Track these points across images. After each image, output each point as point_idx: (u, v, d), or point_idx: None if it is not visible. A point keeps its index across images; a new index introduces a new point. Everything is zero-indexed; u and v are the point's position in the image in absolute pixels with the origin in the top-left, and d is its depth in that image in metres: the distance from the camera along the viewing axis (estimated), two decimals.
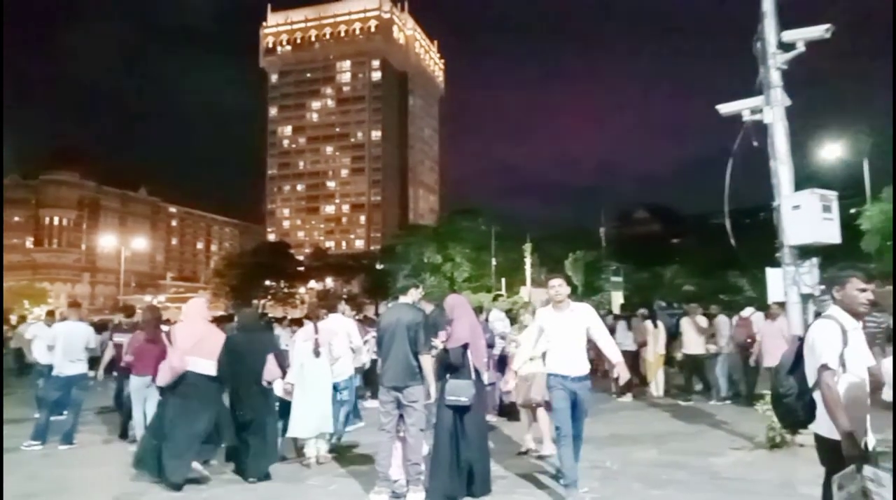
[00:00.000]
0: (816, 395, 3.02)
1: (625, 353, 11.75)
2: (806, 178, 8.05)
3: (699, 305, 11.23)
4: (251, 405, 6.06)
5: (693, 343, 10.46)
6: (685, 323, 10.66)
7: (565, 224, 56.71)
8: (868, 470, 2.68)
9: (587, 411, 5.08)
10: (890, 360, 3.25)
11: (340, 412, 7.18)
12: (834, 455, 2.94)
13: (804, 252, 6.84)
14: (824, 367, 2.94)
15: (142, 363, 7.08)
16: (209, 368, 5.86)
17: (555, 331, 5.08)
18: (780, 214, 6.93)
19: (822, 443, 3.10)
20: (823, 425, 3.01)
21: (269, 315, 15.80)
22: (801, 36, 6.94)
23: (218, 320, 9.29)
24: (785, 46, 7.06)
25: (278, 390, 6.38)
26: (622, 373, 5.17)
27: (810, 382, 3.05)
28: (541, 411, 6.68)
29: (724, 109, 7.49)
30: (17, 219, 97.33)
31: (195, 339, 5.89)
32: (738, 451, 6.71)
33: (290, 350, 6.96)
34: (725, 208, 7.73)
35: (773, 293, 7.50)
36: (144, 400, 7.11)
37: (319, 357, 6.55)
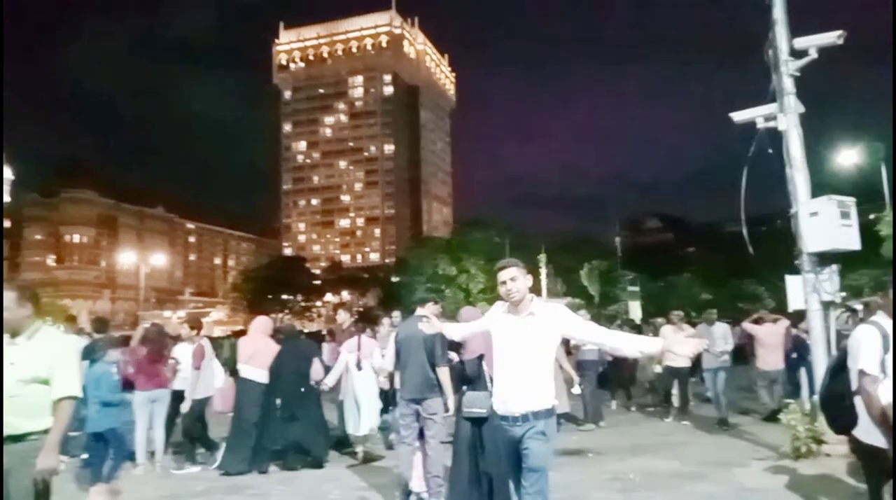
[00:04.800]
0: (858, 400, 3.01)
1: (618, 361, 11.64)
2: (821, 184, 8.01)
3: (709, 312, 10.43)
4: (299, 404, 6.87)
5: (675, 355, 9.22)
6: (667, 332, 9.69)
7: (576, 234, 56.42)
8: None
9: (543, 469, 3.21)
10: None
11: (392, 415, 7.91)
12: (873, 460, 2.94)
13: (823, 259, 6.78)
14: (863, 372, 2.96)
15: (145, 378, 7.05)
16: (261, 376, 6.82)
17: (503, 343, 3.38)
18: (798, 221, 6.89)
19: (862, 448, 3.09)
20: (864, 430, 3.00)
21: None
22: (814, 42, 6.93)
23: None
24: (797, 53, 7.05)
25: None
26: (652, 346, 3.51)
27: (854, 387, 3.05)
28: None
29: (738, 116, 7.48)
30: (38, 237, 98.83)
31: (251, 351, 6.95)
32: (762, 461, 6.63)
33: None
34: (742, 216, 7.70)
35: (794, 301, 7.42)
36: (150, 416, 7.06)
37: (361, 370, 7.30)
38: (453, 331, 3.83)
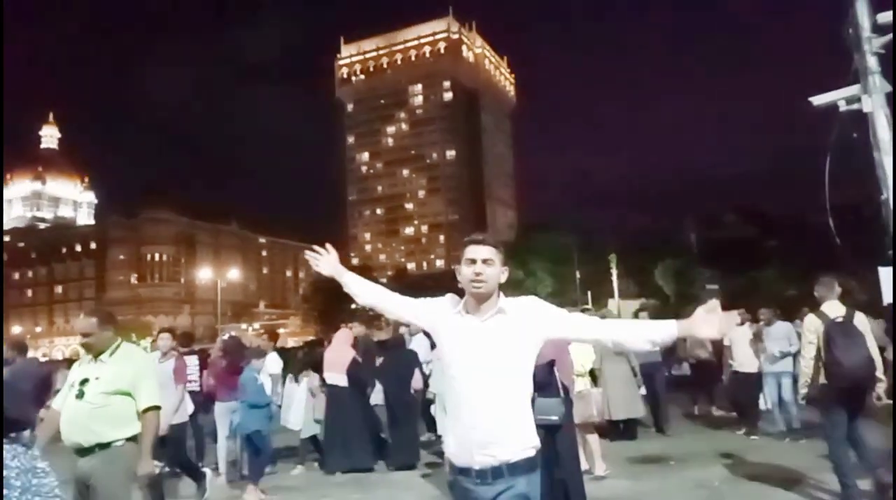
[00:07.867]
0: None
1: (702, 363, 10.90)
2: None
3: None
4: (398, 409, 7.52)
5: (746, 359, 8.55)
6: (736, 333, 8.53)
7: (649, 232, 54.80)
8: None
9: None
10: None
11: None
12: None
13: None
14: None
15: (225, 390, 7.38)
16: (341, 380, 7.44)
17: (457, 355, 2.36)
18: (889, 207, 6.44)
19: None
20: None
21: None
22: None
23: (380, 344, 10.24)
24: (881, 29, 6.59)
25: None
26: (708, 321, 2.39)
27: None
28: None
29: (818, 100, 7.04)
30: (121, 257, 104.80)
31: (332, 359, 7.64)
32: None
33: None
34: (827, 205, 7.25)
35: (888, 294, 6.91)
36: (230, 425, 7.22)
37: None
38: (356, 285, 2.70)
